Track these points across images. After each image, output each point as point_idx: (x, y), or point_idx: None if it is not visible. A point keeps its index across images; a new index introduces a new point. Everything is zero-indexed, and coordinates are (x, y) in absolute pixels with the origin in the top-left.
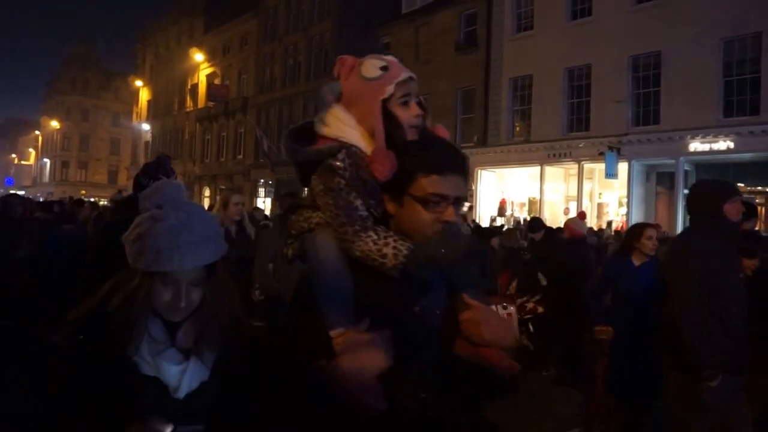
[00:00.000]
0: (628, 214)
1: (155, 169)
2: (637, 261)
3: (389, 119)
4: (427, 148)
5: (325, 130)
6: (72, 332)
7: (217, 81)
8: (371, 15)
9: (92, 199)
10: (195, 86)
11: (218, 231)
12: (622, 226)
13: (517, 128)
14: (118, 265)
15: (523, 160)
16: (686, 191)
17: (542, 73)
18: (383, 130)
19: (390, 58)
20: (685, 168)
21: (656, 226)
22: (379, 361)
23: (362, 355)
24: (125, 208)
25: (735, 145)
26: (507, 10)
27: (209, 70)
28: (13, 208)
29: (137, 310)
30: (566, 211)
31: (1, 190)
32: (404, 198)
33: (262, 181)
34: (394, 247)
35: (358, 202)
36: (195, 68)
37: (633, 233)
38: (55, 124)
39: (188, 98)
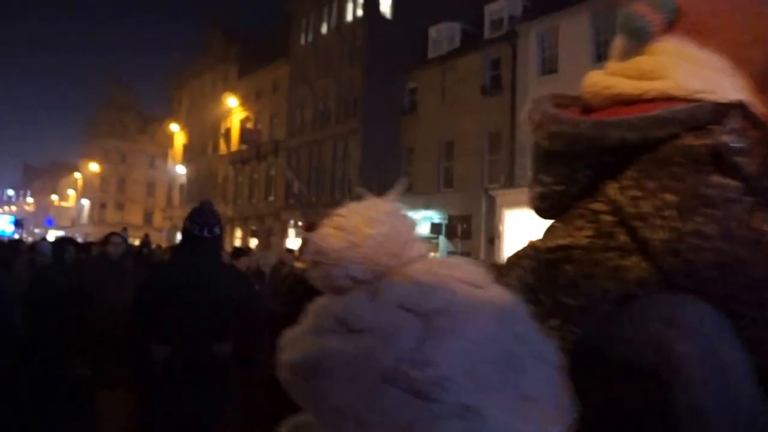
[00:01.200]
0: None
1: (200, 217)
2: None
3: None
4: None
5: (655, 86)
6: None
7: (249, 125)
8: (398, 61)
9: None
10: (228, 130)
11: None
12: None
13: None
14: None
15: None
16: None
17: None
18: None
19: None
20: None
21: None
22: None
23: None
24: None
25: None
26: (531, 54)
27: (242, 115)
28: (117, 248)
29: None
30: None
31: (41, 231)
32: None
33: (292, 222)
34: None
35: None
36: (228, 113)
37: None
38: (94, 166)
39: (222, 142)
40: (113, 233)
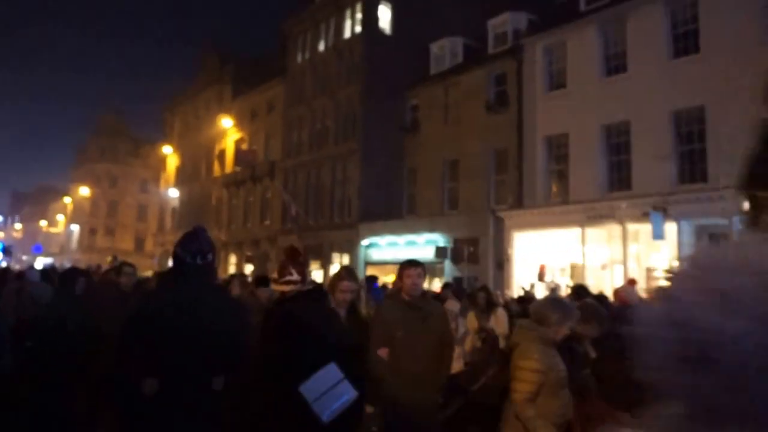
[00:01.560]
0: None
1: (193, 243)
2: None
3: None
4: None
5: None
6: None
7: (244, 146)
8: (399, 78)
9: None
10: (223, 152)
11: None
12: None
13: (554, 189)
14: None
15: (561, 222)
16: None
17: (578, 131)
18: None
19: None
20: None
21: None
22: None
23: None
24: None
25: None
26: (538, 68)
27: (237, 135)
28: (130, 279)
29: None
30: (604, 266)
31: (29, 258)
32: None
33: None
34: None
35: None
36: (223, 134)
37: None
38: (84, 190)
39: (216, 164)
40: (125, 263)
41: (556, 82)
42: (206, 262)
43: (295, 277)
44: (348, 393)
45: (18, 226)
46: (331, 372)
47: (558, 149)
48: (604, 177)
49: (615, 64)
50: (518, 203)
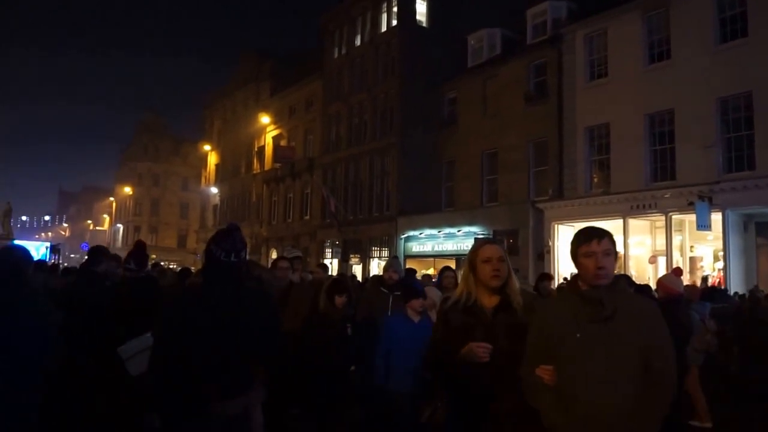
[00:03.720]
0: (725, 268)
1: (227, 241)
2: None
3: None
4: None
5: None
6: None
7: (283, 142)
8: (436, 71)
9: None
10: (262, 148)
11: None
12: (719, 281)
13: (595, 179)
14: None
15: (603, 213)
16: None
17: (620, 121)
18: None
19: None
20: None
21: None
22: None
23: None
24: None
25: None
26: (579, 58)
27: (275, 132)
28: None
29: None
30: (652, 259)
31: (77, 256)
32: None
33: (328, 242)
34: None
35: None
36: (261, 131)
37: None
38: (127, 190)
39: (255, 161)
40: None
41: (597, 71)
42: (239, 259)
43: (132, 266)
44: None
45: (65, 224)
46: (144, 339)
47: (599, 139)
48: (647, 166)
49: (658, 51)
50: (558, 194)
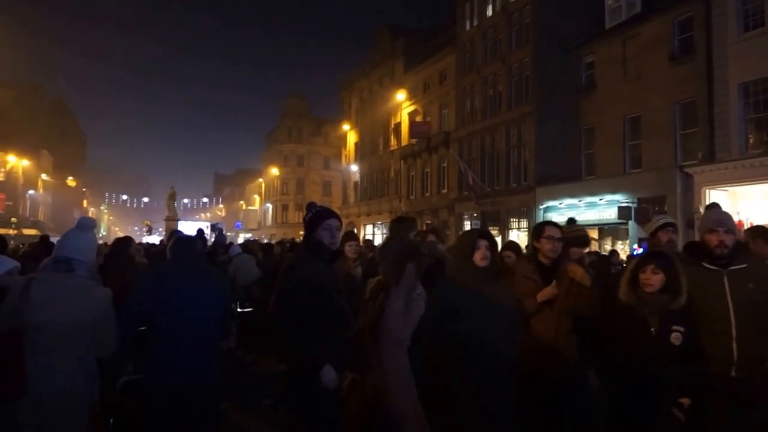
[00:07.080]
0: None
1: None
2: None
3: None
4: None
5: None
6: None
7: (418, 118)
8: (571, 35)
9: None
10: (398, 125)
11: None
12: None
13: (752, 140)
14: None
15: (761, 176)
16: None
17: None
18: None
19: None
20: None
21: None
22: None
23: None
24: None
25: None
26: (730, 9)
27: (411, 108)
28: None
29: None
30: None
31: (233, 234)
32: None
33: (466, 214)
34: None
35: None
36: (397, 108)
37: None
38: (274, 171)
39: (392, 137)
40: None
41: (753, 21)
42: (335, 241)
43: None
44: None
45: (221, 206)
46: None
47: (755, 96)
48: None
49: None
50: (710, 158)
